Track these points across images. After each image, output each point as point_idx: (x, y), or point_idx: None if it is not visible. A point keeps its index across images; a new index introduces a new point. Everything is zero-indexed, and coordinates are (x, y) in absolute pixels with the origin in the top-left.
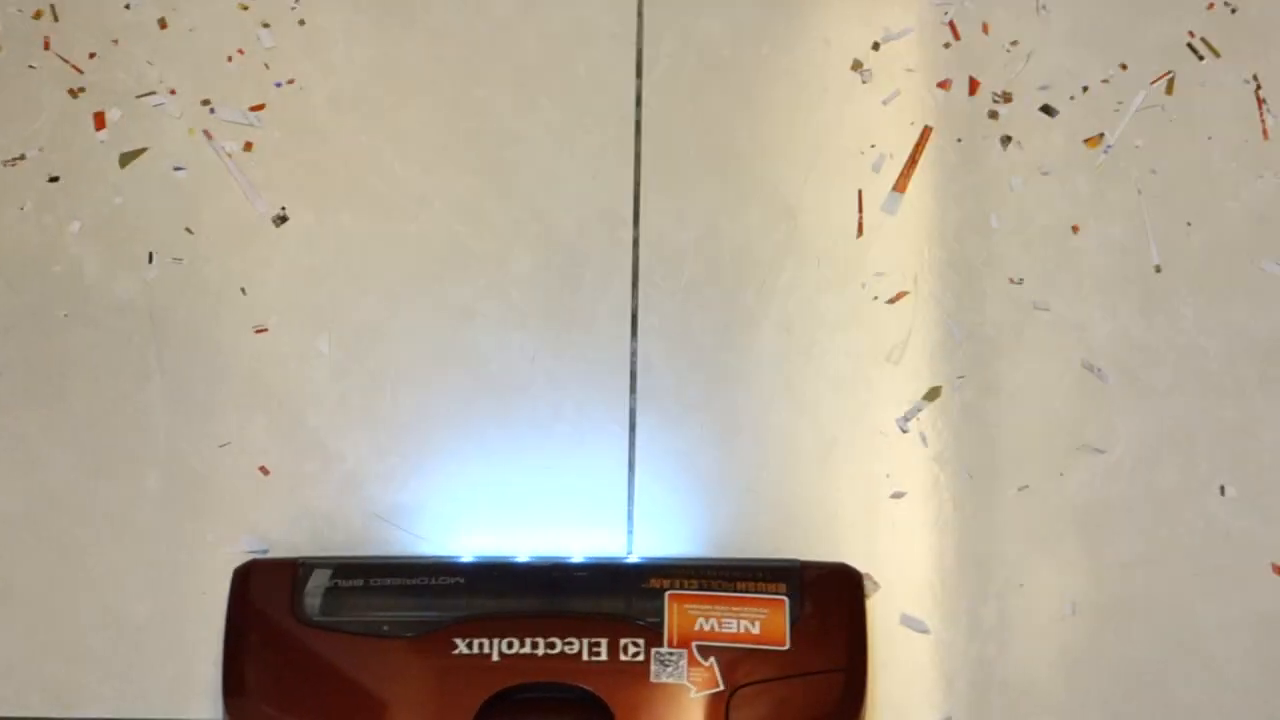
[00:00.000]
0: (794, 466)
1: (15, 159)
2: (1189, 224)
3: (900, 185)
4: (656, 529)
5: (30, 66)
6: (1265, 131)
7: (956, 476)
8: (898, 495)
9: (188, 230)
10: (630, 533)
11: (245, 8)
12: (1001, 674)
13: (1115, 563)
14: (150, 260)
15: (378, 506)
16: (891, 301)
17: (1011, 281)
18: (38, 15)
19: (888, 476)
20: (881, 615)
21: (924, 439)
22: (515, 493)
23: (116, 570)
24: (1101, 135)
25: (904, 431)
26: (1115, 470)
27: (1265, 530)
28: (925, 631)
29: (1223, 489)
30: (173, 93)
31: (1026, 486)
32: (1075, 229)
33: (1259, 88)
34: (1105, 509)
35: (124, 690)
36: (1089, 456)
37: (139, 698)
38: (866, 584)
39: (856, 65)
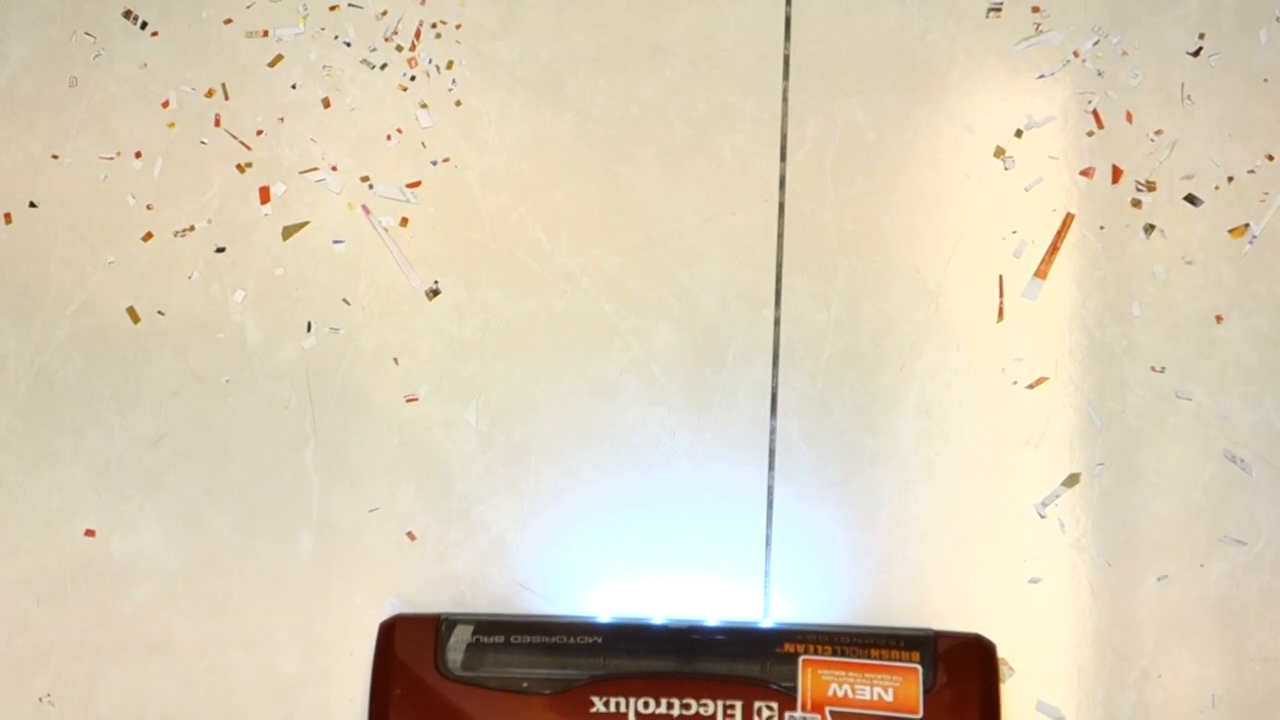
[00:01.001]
0: (931, 548)
1: (185, 230)
2: None
3: (1041, 271)
4: (791, 602)
5: (201, 142)
6: None
7: (1094, 564)
8: (1035, 581)
9: (345, 301)
10: (766, 599)
11: (404, 89)
12: None
13: (1257, 657)
14: (309, 329)
15: (520, 575)
16: (1031, 387)
17: (1153, 370)
18: (210, 94)
19: (1025, 562)
20: (1017, 701)
21: (1062, 525)
22: (654, 565)
23: (268, 627)
24: (1247, 225)
25: (1042, 517)
26: (1257, 563)
27: None
28: (1061, 718)
29: None
30: (334, 169)
31: (1166, 576)
32: (1219, 319)
33: None
34: (1246, 601)
35: None
36: (1230, 548)
37: None
38: (1002, 669)
39: (999, 152)
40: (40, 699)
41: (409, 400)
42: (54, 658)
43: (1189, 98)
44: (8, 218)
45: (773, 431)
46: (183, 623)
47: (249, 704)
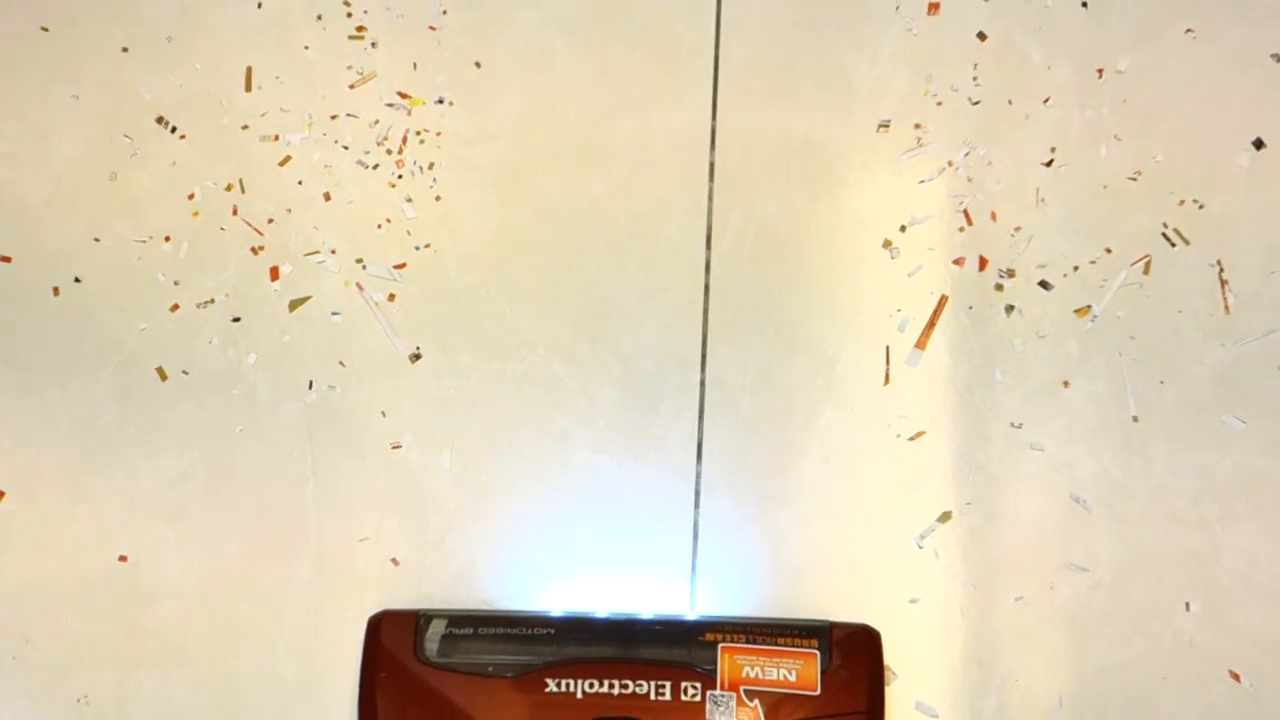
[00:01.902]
0: (829, 573)
1: (206, 302)
2: (1161, 382)
3: (921, 343)
4: (713, 602)
5: (221, 229)
6: (1227, 307)
7: (963, 587)
8: (914, 601)
9: (341, 363)
10: (693, 598)
11: (393, 185)
12: None
13: (1096, 665)
14: (310, 387)
15: (485, 593)
16: (912, 439)
17: (1012, 426)
18: (229, 188)
19: (906, 585)
20: (899, 701)
21: (937, 554)
22: (599, 584)
23: (272, 639)
24: (1089, 307)
25: (920, 548)
26: (1096, 586)
27: (1224, 642)
28: (935, 717)
29: (1188, 605)
30: (333, 252)
31: (1022, 598)
32: (1066, 384)
33: (1222, 271)
34: (1088, 619)
35: None
36: (1075, 574)
37: None
38: (887, 674)
39: (887, 244)
40: (78, 700)
41: (394, 447)
42: (89, 664)
43: (1042, 200)
44: (55, 290)
45: (698, 475)
46: (199, 635)
47: (255, 703)
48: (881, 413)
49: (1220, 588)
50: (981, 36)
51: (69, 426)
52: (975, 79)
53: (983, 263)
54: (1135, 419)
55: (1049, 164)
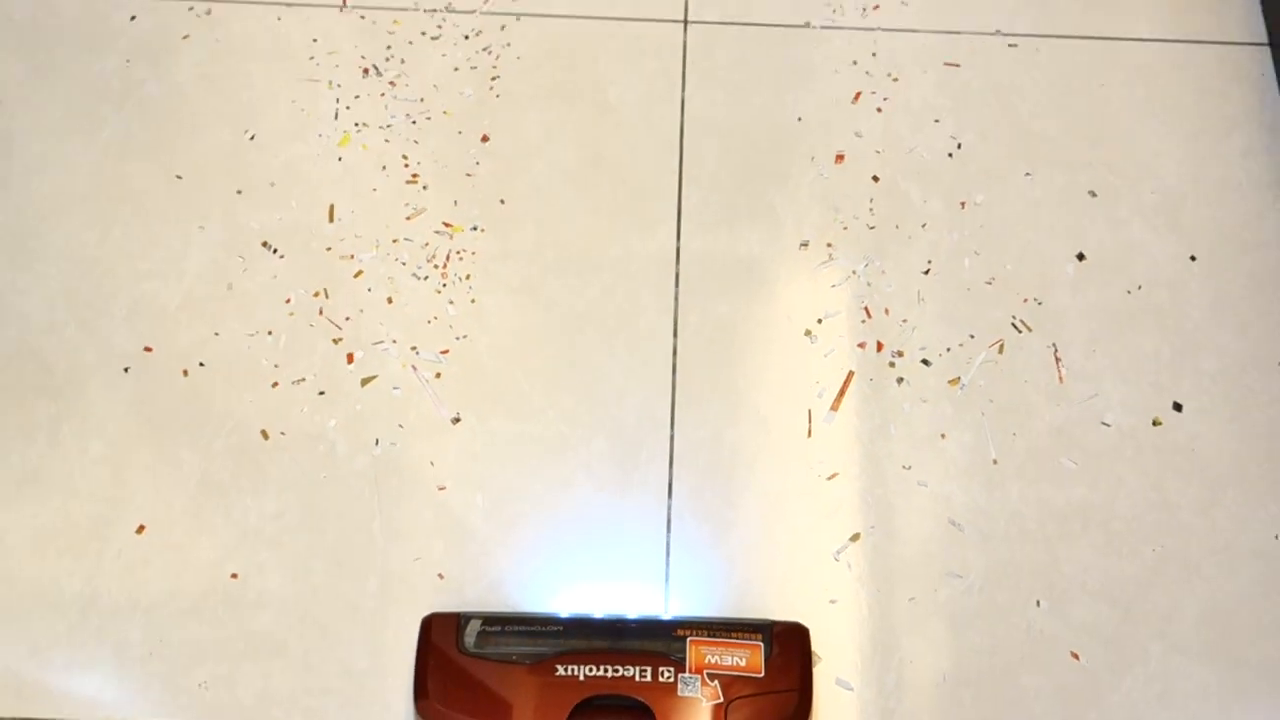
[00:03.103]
0: (769, 583)
1: (299, 380)
2: (1014, 434)
3: (834, 406)
4: (682, 604)
5: (310, 325)
6: (1060, 377)
7: (869, 591)
8: (833, 601)
9: (400, 426)
10: (666, 601)
11: (439, 292)
12: (899, 718)
13: (970, 649)
14: (376, 444)
15: (511, 600)
16: (829, 479)
17: (904, 468)
18: (316, 295)
19: (826, 589)
20: (824, 678)
21: (850, 566)
22: (596, 584)
23: (349, 637)
24: (959, 378)
25: (836, 561)
26: (969, 589)
27: (1065, 630)
28: (850, 689)
29: (1038, 602)
30: (394, 342)
31: (914, 598)
32: (943, 436)
33: (1056, 351)
34: (963, 614)
35: (354, 713)
36: (953, 580)
37: (364, 717)
38: (815, 659)
39: (808, 332)
40: (199, 685)
41: (440, 489)
42: (209, 659)
43: (922, 299)
44: (185, 372)
45: (669, 509)
46: (293, 637)
47: (336, 688)
48: (806, 459)
49: (1061, 589)
50: (875, 179)
51: (195, 475)
52: (871, 210)
53: (879, 346)
54: (995, 461)
55: (927, 272)
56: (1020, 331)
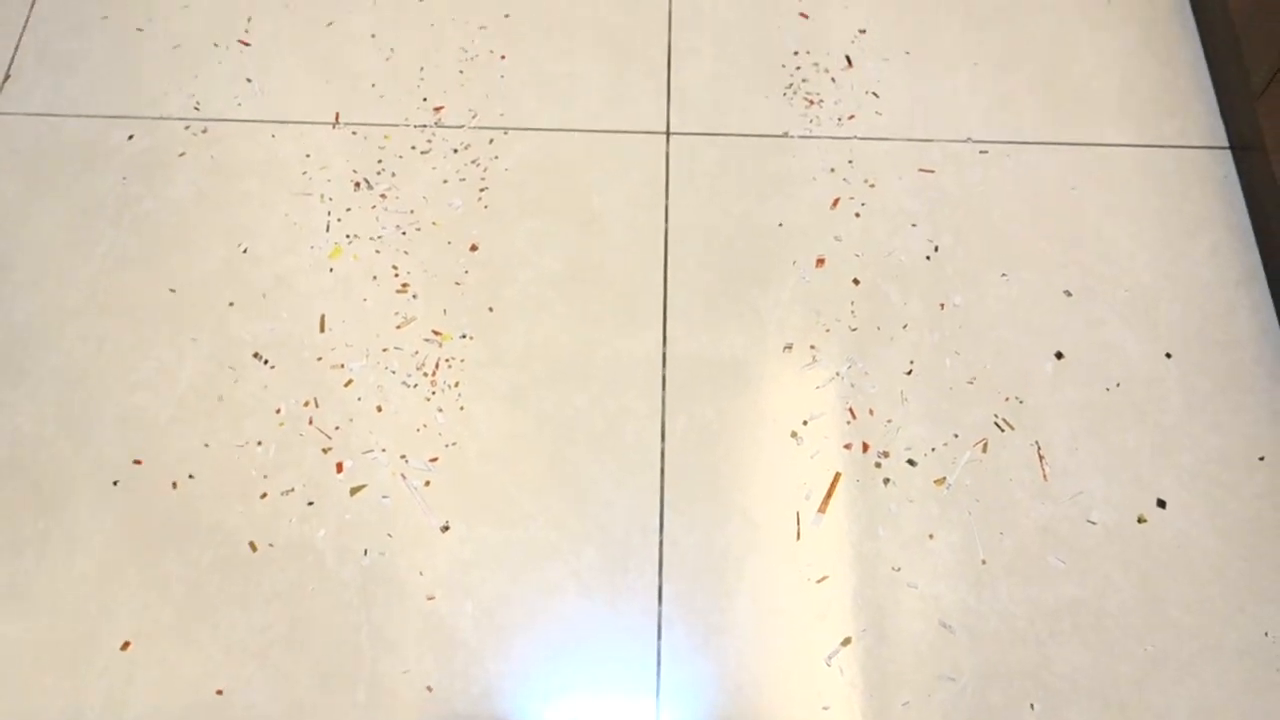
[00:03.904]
0: (761, 690)
1: (288, 490)
2: (1001, 533)
3: (822, 508)
4: (673, 713)
5: (300, 435)
6: (1045, 475)
7: (863, 696)
8: (826, 708)
9: (388, 535)
10: (658, 710)
11: (428, 399)
12: None
13: None
14: (365, 554)
15: (500, 711)
16: (819, 582)
17: (893, 569)
18: (306, 404)
19: (819, 694)
20: None
21: (841, 671)
22: (585, 694)
23: None
24: (945, 478)
25: (829, 666)
26: (962, 692)
27: None
28: None
29: (1032, 705)
30: (383, 450)
31: (908, 703)
32: (931, 536)
33: (1040, 449)
34: (958, 717)
35: None
36: (946, 683)
37: None
38: None
39: (794, 434)
40: None
41: (429, 599)
42: None
43: (906, 399)
44: (174, 484)
45: (659, 615)
46: None
47: None
48: (795, 562)
49: (1055, 690)
50: (856, 282)
51: (182, 589)
52: (853, 312)
53: (865, 447)
54: (984, 561)
55: (909, 373)
56: (1003, 430)
